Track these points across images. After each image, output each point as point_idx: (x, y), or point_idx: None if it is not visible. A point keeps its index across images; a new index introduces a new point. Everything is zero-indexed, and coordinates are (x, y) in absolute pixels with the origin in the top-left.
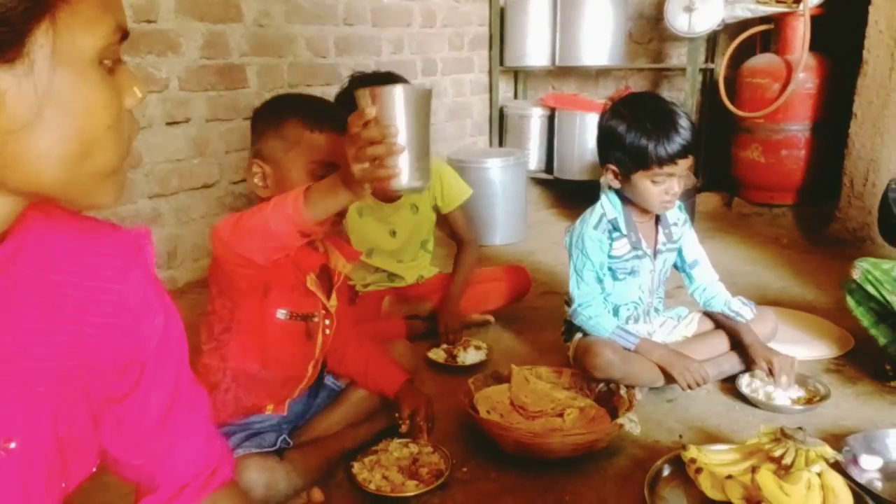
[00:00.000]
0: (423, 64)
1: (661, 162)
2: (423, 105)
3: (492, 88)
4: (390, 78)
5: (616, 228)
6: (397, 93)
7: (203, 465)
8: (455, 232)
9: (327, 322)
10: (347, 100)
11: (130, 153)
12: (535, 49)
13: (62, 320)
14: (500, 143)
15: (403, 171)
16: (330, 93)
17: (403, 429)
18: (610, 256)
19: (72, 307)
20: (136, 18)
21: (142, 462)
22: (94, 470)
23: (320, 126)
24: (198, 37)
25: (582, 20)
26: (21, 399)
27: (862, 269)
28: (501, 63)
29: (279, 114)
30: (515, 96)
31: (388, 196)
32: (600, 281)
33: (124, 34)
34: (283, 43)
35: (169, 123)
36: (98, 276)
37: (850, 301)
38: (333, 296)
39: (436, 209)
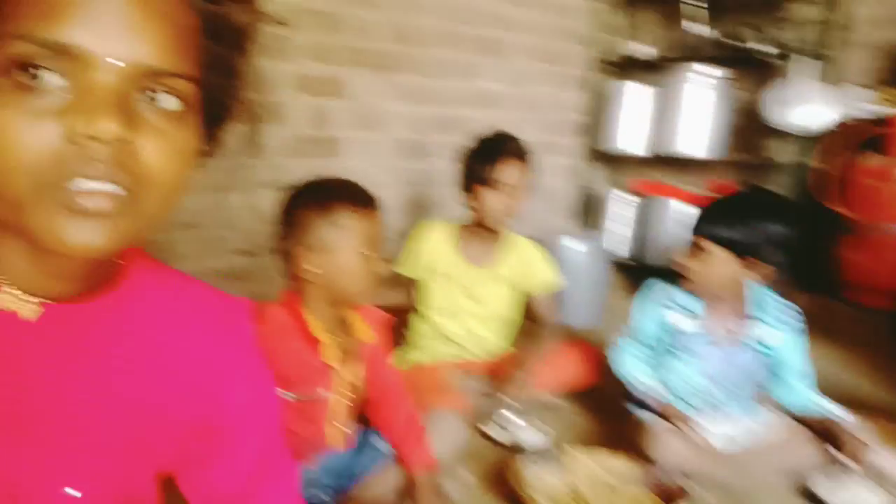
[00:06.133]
0: None
1: None
2: None
3: (582, 172)
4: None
5: (685, 308)
6: None
7: None
8: (537, 314)
9: (342, 392)
10: (477, 152)
11: (93, 195)
12: (629, 136)
13: (146, 376)
14: (587, 226)
15: None
16: (428, 169)
17: None
18: (668, 327)
19: (159, 365)
20: None
21: None
22: None
23: (366, 210)
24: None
25: (680, 111)
26: (95, 449)
27: None
28: (594, 148)
29: (326, 201)
30: (606, 181)
31: None
32: (651, 348)
33: (59, 50)
34: (384, 119)
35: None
36: (191, 337)
37: None
38: (355, 367)
39: (523, 289)
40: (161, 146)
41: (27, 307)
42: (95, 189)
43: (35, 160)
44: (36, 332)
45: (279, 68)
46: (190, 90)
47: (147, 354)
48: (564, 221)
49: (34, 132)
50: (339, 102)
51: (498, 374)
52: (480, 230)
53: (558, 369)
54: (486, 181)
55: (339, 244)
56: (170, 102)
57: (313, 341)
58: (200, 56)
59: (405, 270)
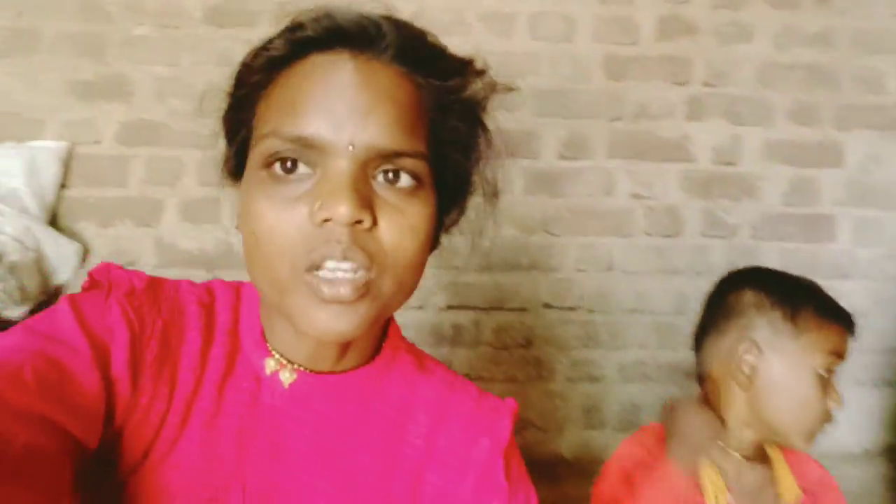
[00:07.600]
0: None
1: None
2: None
3: None
4: None
5: None
6: None
7: None
8: None
9: None
10: None
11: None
12: None
13: (382, 459)
14: None
15: None
16: None
17: None
18: None
19: (398, 451)
20: (716, 160)
21: None
22: None
23: (835, 319)
24: (782, 182)
25: None
26: None
27: None
28: None
29: (792, 300)
30: None
31: None
32: None
33: (302, 143)
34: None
35: None
36: (438, 428)
37: None
38: None
39: None
40: (397, 223)
41: (285, 373)
42: (338, 274)
43: (291, 244)
44: (288, 396)
45: (747, 134)
46: (421, 167)
47: (388, 436)
48: None
49: (288, 218)
50: (831, 172)
51: None
52: None
53: None
54: None
55: (794, 351)
56: (403, 180)
57: (692, 482)
58: (431, 132)
59: None
